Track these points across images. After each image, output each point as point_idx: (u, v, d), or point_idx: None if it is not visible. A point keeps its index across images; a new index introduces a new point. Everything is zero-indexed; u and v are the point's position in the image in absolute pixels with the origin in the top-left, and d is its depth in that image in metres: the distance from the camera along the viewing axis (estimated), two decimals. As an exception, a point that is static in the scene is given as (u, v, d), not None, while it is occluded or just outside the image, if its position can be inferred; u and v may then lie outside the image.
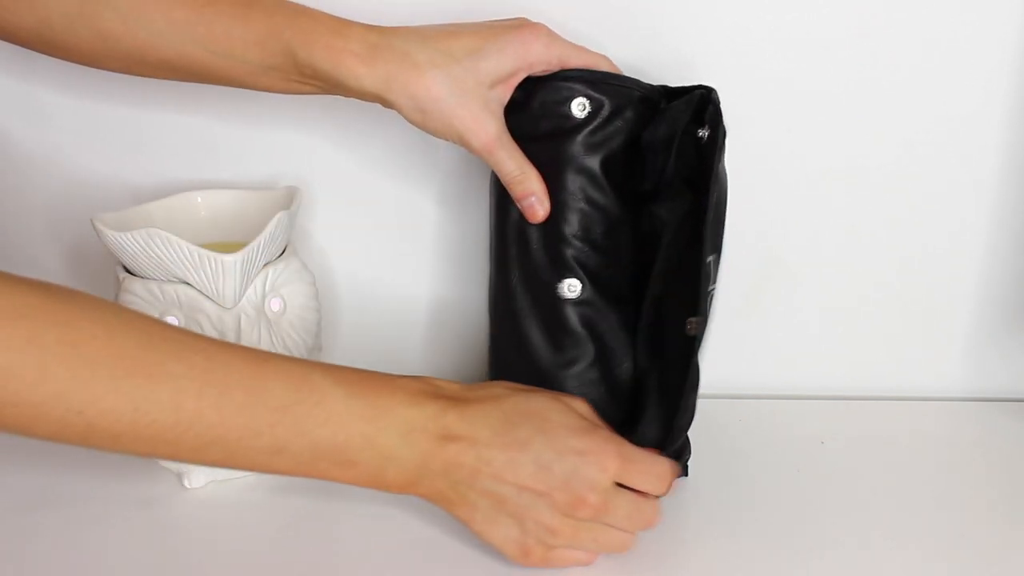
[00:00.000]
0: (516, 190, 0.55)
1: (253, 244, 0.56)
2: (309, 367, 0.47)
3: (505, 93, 0.54)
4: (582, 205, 0.56)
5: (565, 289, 0.56)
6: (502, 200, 0.58)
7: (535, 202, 0.55)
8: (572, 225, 0.56)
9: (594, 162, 0.55)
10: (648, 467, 0.50)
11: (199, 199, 0.65)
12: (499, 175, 0.55)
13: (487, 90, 0.53)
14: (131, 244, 0.55)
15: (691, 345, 0.51)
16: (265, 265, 0.59)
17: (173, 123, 0.69)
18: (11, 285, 0.39)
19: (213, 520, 0.58)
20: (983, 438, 0.68)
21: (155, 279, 0.57)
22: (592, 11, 0.64)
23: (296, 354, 0.61)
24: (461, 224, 0.72)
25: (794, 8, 0.64)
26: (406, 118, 0.54)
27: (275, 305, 0.59)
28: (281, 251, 0.61)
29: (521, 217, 0.57)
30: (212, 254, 0.54)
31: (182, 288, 0.56)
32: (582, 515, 0.48)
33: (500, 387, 0.51)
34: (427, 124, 0.54)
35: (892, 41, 0.64)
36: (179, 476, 0.62)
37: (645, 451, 0.51)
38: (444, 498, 0.49)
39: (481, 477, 0.47)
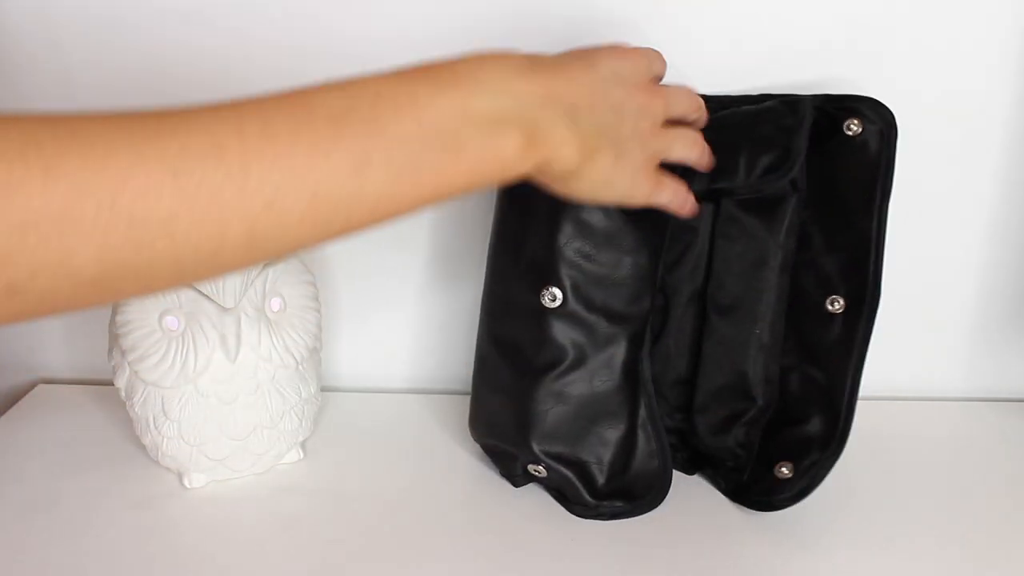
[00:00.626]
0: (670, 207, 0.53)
1: (253, 244, 0.56)
2: (351, 79, 0.38)
3: None
4: (579, 215, 0.55)
5: (547, 298, 0.56)
6: (501, 203, 0.58)
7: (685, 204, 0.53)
8: (565, 235, 0.55)
9: None
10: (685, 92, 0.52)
11: (199, 199, 0.64)
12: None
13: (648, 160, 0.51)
14: (131, 244, 0.55)
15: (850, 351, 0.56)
16: (265, 265, 0.59)
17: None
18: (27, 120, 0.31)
19: (213, 520, 0.58)
20: (983, 438, 0.68)
21: (155, 279, 0.57)
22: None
23: (296, 355, 0.61)
24: (460, 226, 0.72)
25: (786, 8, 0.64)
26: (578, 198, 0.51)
27: (275, 305, 0.59)
28: (281, 251, 0.61)
29: (516, 222, 0.57)
30: (212, 254, 0.54)
31: (182, 288, 0.56)
32: (659, 105, 0.48)
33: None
34: (598, 200, 0.49)
35: (891, 43, 0.64)
36: (179, 476, 0.62)
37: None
38: (569, 144, 0.41)
39: (596, 100, 0.43)
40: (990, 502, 0.60)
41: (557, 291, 0.56)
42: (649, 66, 0.49)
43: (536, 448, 0.58)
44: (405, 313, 0.75)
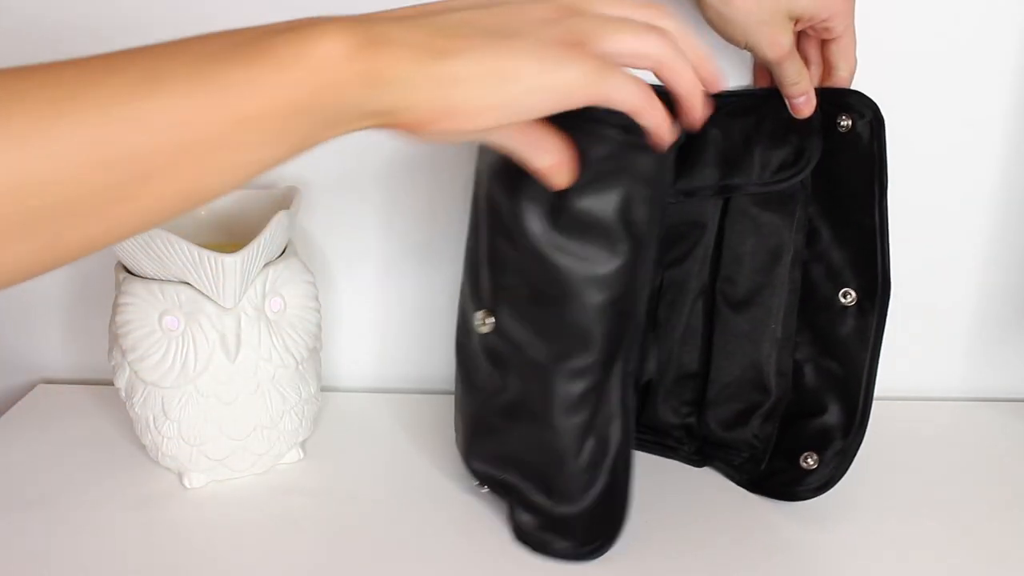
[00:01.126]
0: (791, 91, 0.56)
1: (253, 244, 0.56)
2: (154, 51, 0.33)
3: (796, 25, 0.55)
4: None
5: (479, 320, 0.53)
6: (474, 217, 0.56)
7: (805, 101, 0.56)
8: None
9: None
10: None
11: (199, 199, 0.64)
12: (779, 79, 0.56)
13: (786, 19, 0.54)
14: (131, 244, 0.55)
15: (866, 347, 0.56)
16: (265, 265, 0.59)
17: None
18: None
19: (213, 520, 0.58)
20: (983, 438, 0.68)
21: (155, 279, 0.57)
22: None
23: (296, 355, 0.61)
24: (459, 225, 0.72)
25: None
26: (703, 15, 0.55)
27: (275, 305, 0.59)
28: (281, 251, 0.61)
29: (489, 238, 0.52)
30: (212, 254, 0.54)
31: (182, 288, 0.56)
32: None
33: None
34: (723, 29, 0.55)
35: (892, 46, 0.64)
36: (179, 476, 0.62)
37: None
38: (434, 52, 0.34)
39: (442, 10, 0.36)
40: (990, 502, 0.60)
41: (483, 314, 0.53)
42: None
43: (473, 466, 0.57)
44: (405, 313, 0.75)
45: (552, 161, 0.43)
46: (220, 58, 0.32)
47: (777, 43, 0.54)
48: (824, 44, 0.58)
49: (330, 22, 0.33)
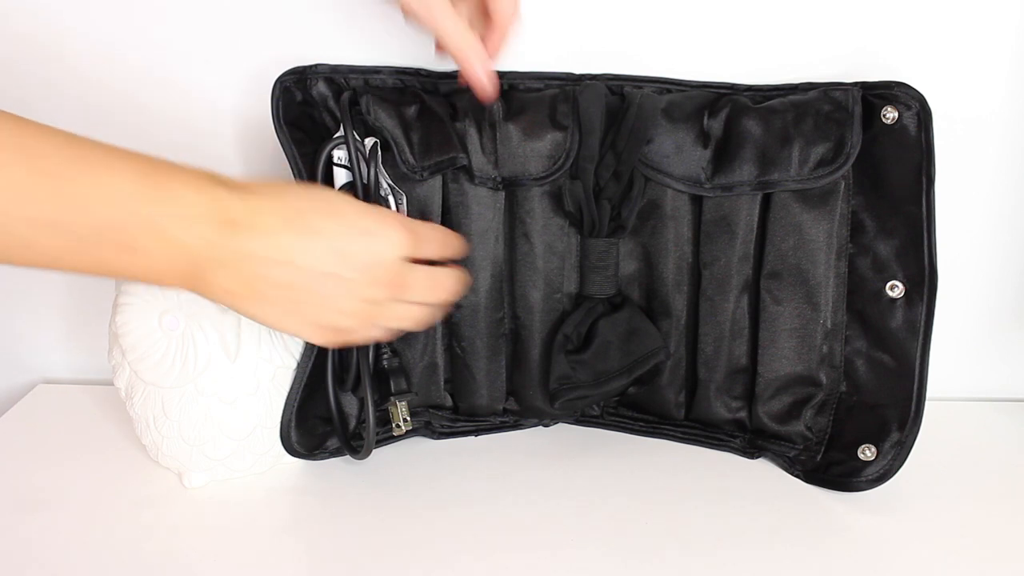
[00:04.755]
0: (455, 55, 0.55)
1: (253, 244, 0.56)
2: (89, 142, 0.43)
3: None
4: None
5: None
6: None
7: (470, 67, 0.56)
8: None
9: None
10: (434, 233, 0.52)
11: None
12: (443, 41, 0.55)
13: None
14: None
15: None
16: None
17: (173, 123, 0.68)
18: None
19: (213, 520, 0.58)
20: (983, 438, 0.68)
21: (155, 279, 0.57)
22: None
23: (296, 355, 0.61)
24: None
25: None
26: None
27: (275, 305, 0.59)
28: (281, 251, 0.61)
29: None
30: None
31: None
32: (381, 296, 0.49)
33: (276, 182, 0.50)
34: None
35: (892, 44, 0.64)
36: (179, 476, 0.62)
37: (422, 221, 0.55)
38: (232, 294, 0.46)
39: (274, 266, 0.46)
40: (990, 502, 0.60)
41: None
42: (398, 246, 0.49)
43: None
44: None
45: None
46: (103, 242, 0.42)
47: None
48: None
49: (180, 254, 0.44)
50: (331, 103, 0.61)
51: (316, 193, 0.49)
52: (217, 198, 0.44)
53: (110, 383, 0.62)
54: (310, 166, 0.59)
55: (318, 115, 0.62)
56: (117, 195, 0.42)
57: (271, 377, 0.59)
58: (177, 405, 0.58)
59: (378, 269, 0.48)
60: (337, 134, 0.59)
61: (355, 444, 0.63)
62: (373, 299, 0.49)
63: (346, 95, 0.60)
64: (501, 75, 0.60)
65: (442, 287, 0.53)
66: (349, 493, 0.61)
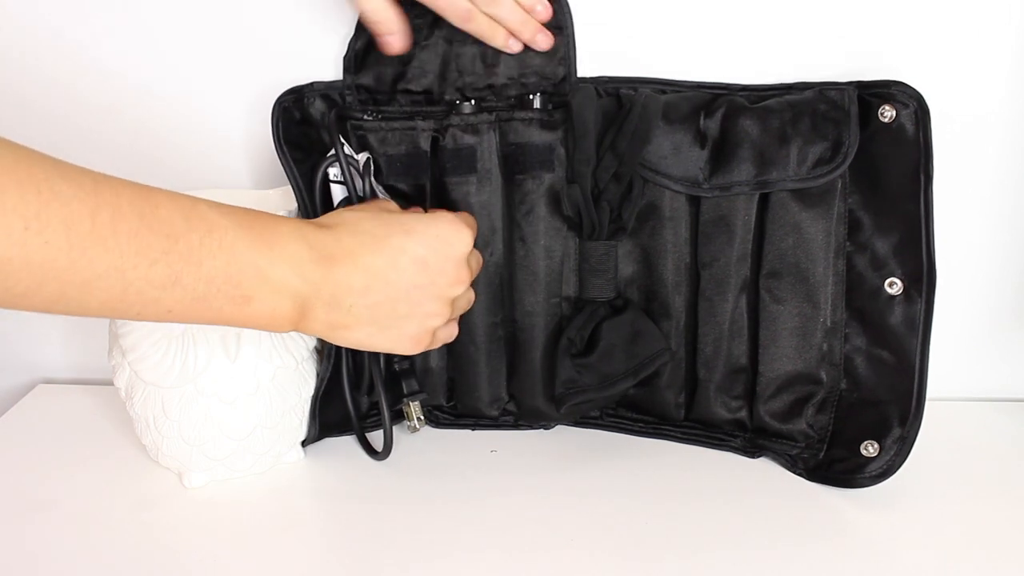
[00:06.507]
0: (497, 42, 0.60)
1: (253, 244, 0.56)
2: (194, 199, 0.45)
3: None
4: None
5: None
6: None
7: (517, 40, 0.60)
8: None
9: None
10: (473, 219, 0.59)
11: (199, 199, 0.65)
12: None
13: None
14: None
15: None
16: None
17: (174, 123, 0.68)
18: None
19: (213, 520, 0.58)
20: (983, 438, 0.68)
21: (155, 279, 0.57)
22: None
23: (297, 355, 0.61)
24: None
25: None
26: None
27: (275, 305, 0.59)
28: (281, 251, 0.61)
29: None
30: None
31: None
32: (459, 291, 0.53)
33: (345, 212, 0.54)
34: None
35: (891, 44, 0.64)
36: (179, 476, 0.62)
37: (459, 212, 0.59)
38: (335, 326, 0.50)
39: (372, 291, 0.50)
40: (990, 502, 0.60)
41: None
42: (468, 241, 0.53)
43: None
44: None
45: None
46: (218, 295, 0.45)
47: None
48: None
49: (286, 293, 0.47)
50: (327, 120, 0.62)
51: (386, 216, 0.52)
52: (311, 239, 0.48)
53: (110, 383, 0.62)
54: (309, 184, 0.60)
55: (315, 134, 0.62)
56: (229, 250, 0.44)
57: (271, 377, 0.59)
58: (177, 405, 0.58)
59: (457, 268, 0.53)
60: (330, 152, 0.59)
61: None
62: (454, 295, 0.53)
63: (333, 112, 0.60)
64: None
65: (480, 265, 0.58)
66: (349, 493, 0.61)
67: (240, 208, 0.47)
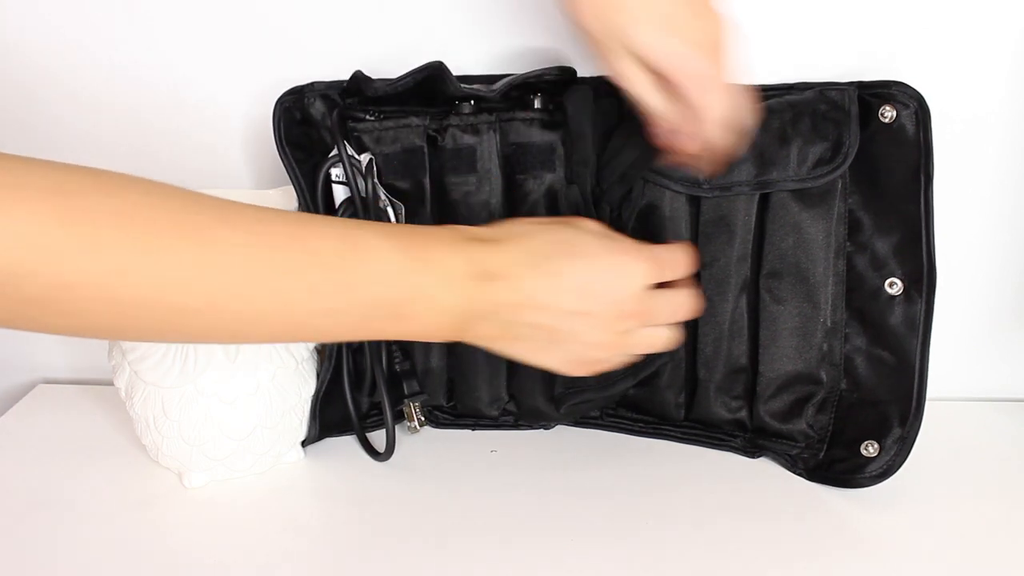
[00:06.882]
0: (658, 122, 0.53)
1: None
2: (348, 223, 0.47)
3: None
4: None
5: None
6: None
7: (676, 138, 0.53)
8: None
9: None
10: (673, 255, 0.53)
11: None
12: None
13: (624, 51, 0.48)
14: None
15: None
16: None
17: (174, 123, 0.69)
18: (49, 165, 0.37)
19: (213, 520, 0.58)
20: (983, 438, 0.68)
21: (155, 279, 0.57)
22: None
23: (296, 355, 0.61)
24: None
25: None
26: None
27: (275, 305, 0.59)
28: (281, 251, 0.61)
29: None
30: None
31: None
32: (628, 326, 0.50)
33: (520, 224, 0.52)
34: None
35: (892, 44, 0.64)
36: (179, 476, 0.62)
37: (662, 245, 0.53)
38: (494, 339, 0.50)
39: (527, 310, 0.48)
40: (990, 502, 0.60)
41: None
42: (642, 278, 0.50)
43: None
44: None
45: None
46: (378, 315, 0.45)
47: (618, 73, 0.50)
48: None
49: (445, 311, 0.47)
50: (328, 120, 0.62)
51: (560, 234, 0.50)
52: (470, 255, 0.48)
53: (110, 383, 0.62)
54: (311, 184, 0.60)
55: (316, 133, 0.62)
56: (385, 273, 0.45)
57: (271, 377, 0.59)
58: (177, 405, 0.58)
59: (625, 302, 0.49)
60: (332, 152, 0.59)
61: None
62: (623, 330, 0.50)
63: (336, 112, 0.60)
64: (499, 79, 0.61)
65: (683, 308, 0.53)
66: (349, 493, 0.61)
67: (396, 225, 0.47)
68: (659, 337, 0.52)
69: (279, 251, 0.42)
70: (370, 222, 0.47)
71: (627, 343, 0.51)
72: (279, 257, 0.42)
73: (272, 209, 0.44)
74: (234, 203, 0.42)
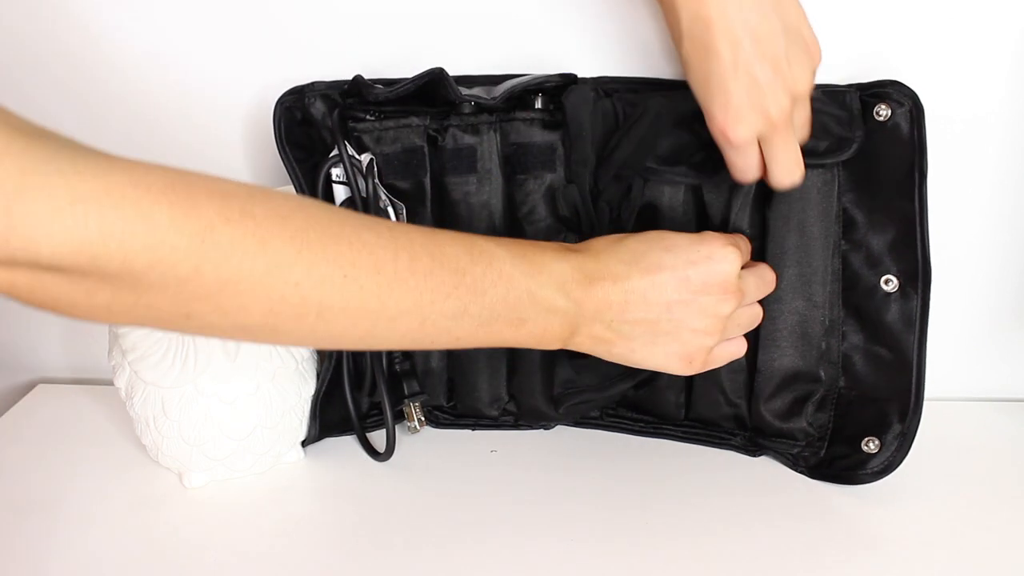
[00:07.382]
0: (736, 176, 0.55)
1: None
2: (471, 235, 0.49)
3: None
4: None
5: None
6: None
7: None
8: None
9: None
10: (744, 241, 0.57)
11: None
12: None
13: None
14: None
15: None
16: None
17: (174, 123, 0.69)
18: (202, 175, 0.39)
19: (213, 520, 0.58)
20: (983, 438, 0.68)
21: (155, 279, 0.57)
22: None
23: (297, 355, 0.61)
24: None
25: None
26: (671, 29, 0.52)
27: (275, 305, 0.59)
28: (281, 251, 0.61)
29: None
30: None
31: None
32: (730, 308, 0.52)
33: (606, 237, 0.54)
34: (686, 59, 0.51)
35: (891, 44, 0.64)
36: (179, 476, 0.62)
37: (729, 233, 0.57)
38: (601, 340, 0.52)
39: (631, 307, 0.51)
40: (990, 503, 0.60)
41: None
42: (734, 259, 0.52)
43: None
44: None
45: None
46: (498, 320, 0.48)
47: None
48: None
49: (556, 313, 0.50)
50: (329, 120, 0.61)
51: (646, 235, 0.53)
52: (573, 261, 0.51)
53: (110, 383, 0.62)
54: (311, 184, 0.60)
55: (316, 133, 0.62)
56: (507, 276, 0.48)
57: (271, 377, 0.60)
58: (177, 405, 0.58)
59: (723, 286, 0.52)
60: (333, 152, 0.59)
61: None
62: (723, 313, 0.52)
63: (336, 112, 0.60)
64: (496, 79, 0.61)
65: (768, 284, 0.58)
66: (349, 493, 0.61)
67: (509, 238, 0.51)
68: (755, 315, 0.56)
69: (417, 255, 0.45)
70: (479, 235, 0.49)
71: (728, 326, 0.53)
72: (416, 259, 0.44)
73: (401, 223, 0.47)
74: (367, 217, 0.45)
